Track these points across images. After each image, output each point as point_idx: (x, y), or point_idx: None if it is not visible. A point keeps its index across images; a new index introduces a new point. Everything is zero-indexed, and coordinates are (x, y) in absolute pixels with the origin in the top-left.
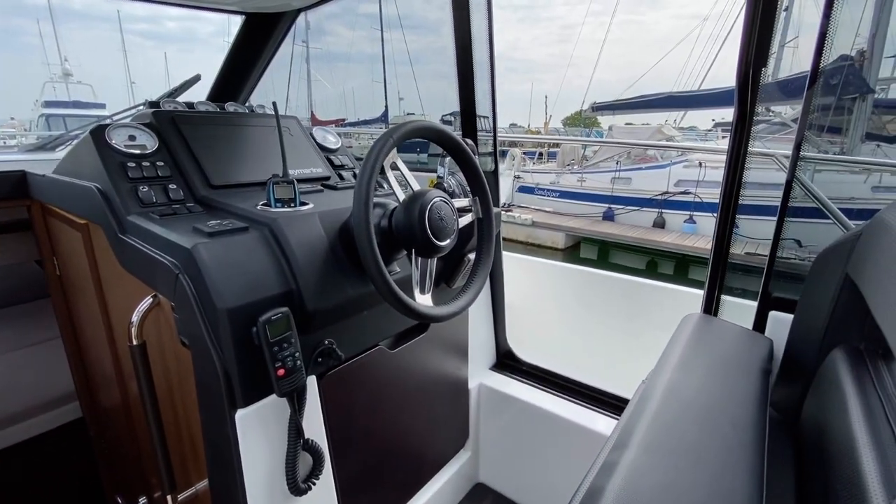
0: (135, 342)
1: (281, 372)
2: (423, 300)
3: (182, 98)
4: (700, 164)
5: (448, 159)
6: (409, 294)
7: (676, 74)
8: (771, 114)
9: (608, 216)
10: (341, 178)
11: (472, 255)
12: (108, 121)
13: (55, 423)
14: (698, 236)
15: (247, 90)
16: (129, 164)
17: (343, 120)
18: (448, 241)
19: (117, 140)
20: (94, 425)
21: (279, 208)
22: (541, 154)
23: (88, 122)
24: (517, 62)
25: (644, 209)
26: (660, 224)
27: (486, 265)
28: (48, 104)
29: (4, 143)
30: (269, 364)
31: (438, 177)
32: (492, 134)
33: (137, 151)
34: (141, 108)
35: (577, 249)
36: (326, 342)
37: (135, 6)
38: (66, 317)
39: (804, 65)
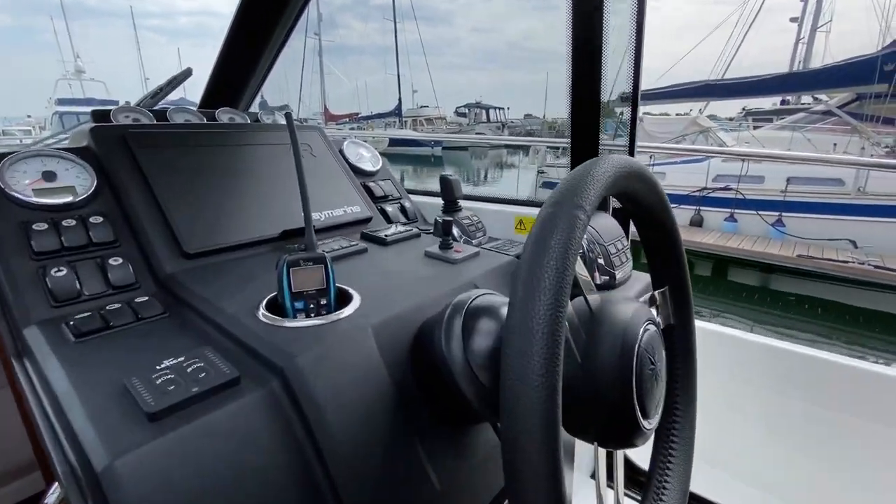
0: None
1: None
2: None
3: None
4: (743, 159)
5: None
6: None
7: (711, 62)
8: (810, 102)
9: None
10: (387, 218)
11: None
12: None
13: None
14: (741, 236)
15: (249, 93)
16: (35, 226)
17: (357, 114)
18: (657, 417)
19: (16, 181)
20: None
21: (300, 321)
22: (565, 148)
23: None
24: (530, 52)
25: (681, 206)
26: (697, 223)
27: (689, 427)
28: (61, 101)
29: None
30: None
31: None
32: (628, 146)
33: (54, 200)
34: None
35: None
36: None
37: (146, 1)
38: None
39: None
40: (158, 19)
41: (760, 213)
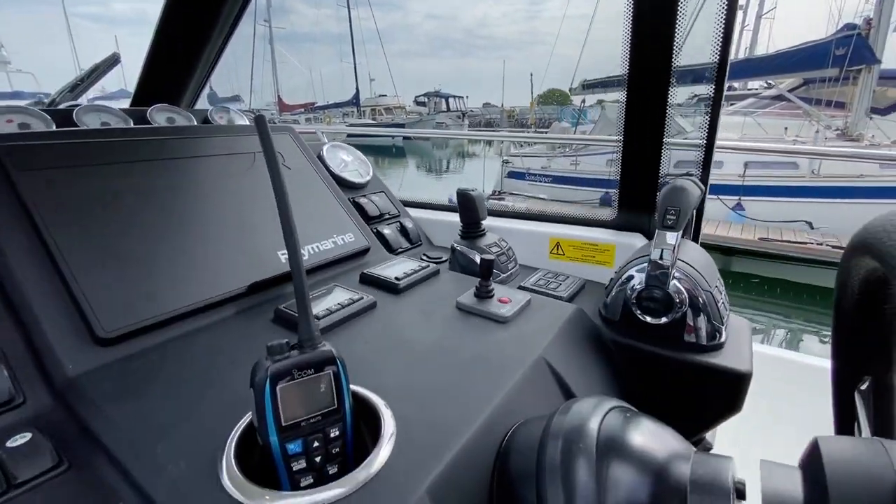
0: None
1: None
2: None
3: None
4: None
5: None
6: None
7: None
8: (757, 87)
9: (606, 201)
10: (387, 244)
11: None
12: None
13: None
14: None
15: (193, 86)
16: None
17: (313, 103)
18: None
19: None
20: None
21: (300, 497)
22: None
23: None
24: (486, 39)
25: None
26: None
27: None
28: None
29: None
30: None
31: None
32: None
33: None
34: None
35: None
36: None
37: None
38: None
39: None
40: (93, 6)
41: (721, 197)
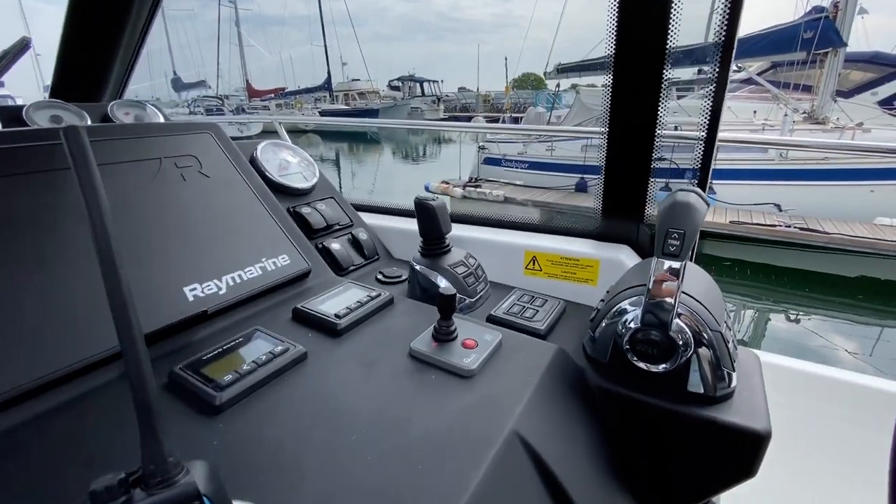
0: None
1: None
2: None
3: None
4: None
5: None
6: None
7: None
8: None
9: (581, 187)
10: (334, 263)
11: None
12: None
13: None
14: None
15: (115, 77)
16: None
17: (283, 89)
18: None
19: None
20: None
21: None
22: (503, 120)
23: None
24: (459, 22)
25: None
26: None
27: None
28: None
29: None
30: None
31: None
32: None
33: None
34: None
35: None
36: None
37: None
38: None
39: None
40: None
41: (692, 181)
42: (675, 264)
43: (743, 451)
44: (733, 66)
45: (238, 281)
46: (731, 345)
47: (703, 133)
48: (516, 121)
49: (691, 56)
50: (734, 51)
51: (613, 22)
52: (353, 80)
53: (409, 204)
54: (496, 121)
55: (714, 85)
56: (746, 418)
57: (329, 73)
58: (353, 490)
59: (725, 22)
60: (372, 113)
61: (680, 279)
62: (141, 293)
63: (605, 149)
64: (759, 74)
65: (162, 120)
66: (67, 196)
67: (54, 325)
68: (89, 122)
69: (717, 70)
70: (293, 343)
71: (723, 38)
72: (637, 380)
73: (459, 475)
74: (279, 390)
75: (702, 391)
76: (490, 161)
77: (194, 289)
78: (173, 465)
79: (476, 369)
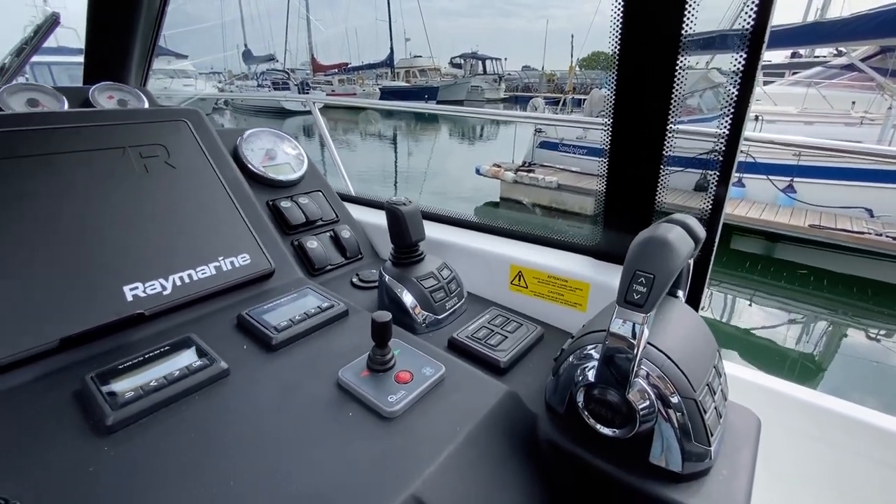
0: None
1: None
2: None
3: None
4: (757, 118)
5: None
6: None
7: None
8: (826, 55)
9: None
10: (307, 263)
11: None
12: None
13: None
14: (748, 202)
15: (137, 59)
16: None
17: (346, 64)
18: None
19: None
20: None
21: None
22: (564, 102)
23: (74, 70)
24: None
25: (686, 169)
26: (702, 187)
27: None
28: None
29: None
30: None
31: None
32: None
33: None
34: None
35: None
36: None
37: None
38: None
39: None
40: None
41: (771, 177)
42: (638, 317)
43: None
44: (831, 50)
45: (187, 281)
46: (710, 416)
47: (727, 130)
48: (579, 103)
49: (716, 42)
50: (766, 37)
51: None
52: (415, 56)
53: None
54: (557, 102)
55: (740, 78)
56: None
57: (392, 49)
58: None
59: (755, 4)
60: (431, 91)
61: (640, 335)
62: (75, 290)
63: (608, 151)
64: (863, 60)
65: (146, 105)
66: (18, 183)
67: None
68: (66, 107)
69: (745, 61)
70: (217, 358)
71: (752, 24)
72: (595, 440)
73: None
74: (183, 411)
75: (665, 466)
76: (546, 145)
77: (135, 288)
78: None
79: (398, 410)
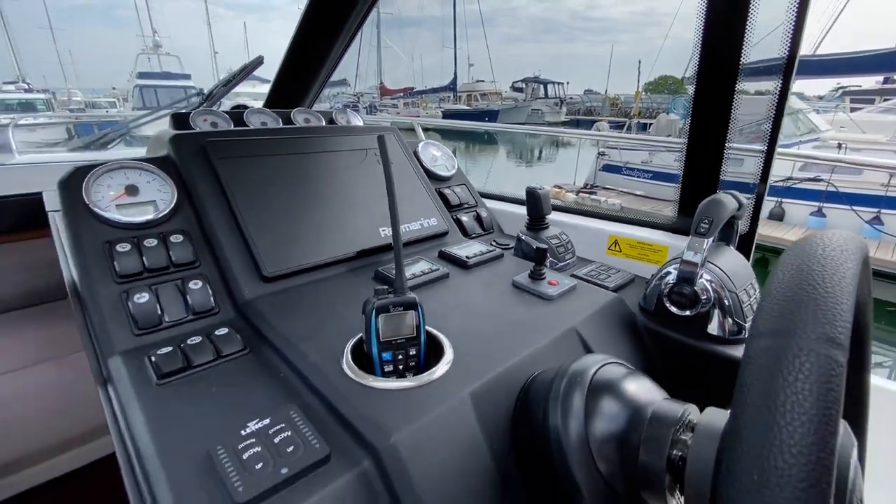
0: None
1: None
2: None
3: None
4: (840, 146)
5: None
6: None
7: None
8: None
9: None
10: (463, 229)
11: None
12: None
13: (88, 458)
14: None
15: (315, 89)
16: (118, 247)
17: (411, 88)
18: None
19: (101, 196)
20: None
21: (390, 382)
22: (629, 127)
23: (176, 92)
24: (593, 21)
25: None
26: (778, 216)
27: None
28: (141, 75)
29: (107, 111)
30: None
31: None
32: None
33: (137, 218)
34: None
35: None
36: None
37: None
38: None
39: None
40: None
41: (855, 207)
42: (703, 241)
43: None
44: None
45: (407, 230)
46: (746, 306)
47: (764, 147)
48: (644, 127)
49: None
50: (795, 66)
51: (699, 35)
52: (477, 80)
53: (518, 194)
54: (621, 126)
55: (776, 102)
56: None
57: (455, 73)
58: (473, 334)
59: (789, 37)
60: (491, 114)
61: (705, 250)
62: (359, 228)
63: (685, 157)
64: None
65: (360, 122)
66: (316, 164)
67: (328, 239)
68: (280, 125)
69: (780, 87)
70: (442, 267)
71: (786, 53)
72: (671, 322)
73: (532, 340)
74: (433, 290)
75: (718, 334)
76: (609, 168)
77: (385, 230)
78: (407, 289)
79: (555, 296)
